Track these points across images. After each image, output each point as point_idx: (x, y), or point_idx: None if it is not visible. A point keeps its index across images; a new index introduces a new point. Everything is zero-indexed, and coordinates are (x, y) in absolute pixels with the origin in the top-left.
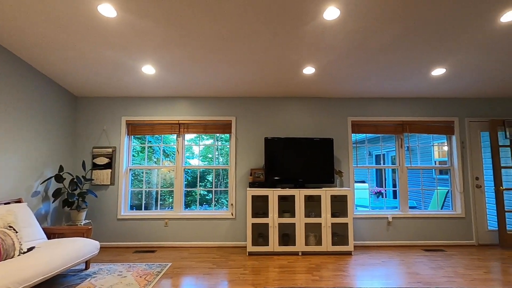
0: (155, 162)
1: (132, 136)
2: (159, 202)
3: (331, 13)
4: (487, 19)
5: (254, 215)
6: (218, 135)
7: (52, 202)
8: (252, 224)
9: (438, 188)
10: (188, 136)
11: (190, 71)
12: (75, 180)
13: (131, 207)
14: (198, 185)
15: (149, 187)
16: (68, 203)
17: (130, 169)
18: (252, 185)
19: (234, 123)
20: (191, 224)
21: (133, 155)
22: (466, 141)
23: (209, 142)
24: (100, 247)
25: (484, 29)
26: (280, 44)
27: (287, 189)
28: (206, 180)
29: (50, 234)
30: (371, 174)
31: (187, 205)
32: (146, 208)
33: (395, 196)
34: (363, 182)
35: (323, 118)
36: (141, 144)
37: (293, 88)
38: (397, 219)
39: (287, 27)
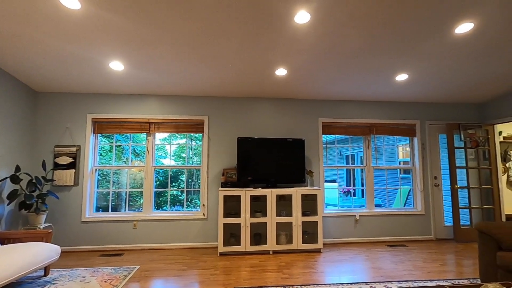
0: (124, 161)
1: (99, 135)
2: (128, 204)
3: (302, 17)
4: (444, 31)
5: (226, 215)
6: (193, 134)
7: (7, 205)
8: (224, 224)
9: (401, 187)
10: (161, 135)
11: (161, 68)
12: (34, 180)
13: (98, 209)
14: (169, 185)
15: (118, 188)
16: (26, 205)
17: (96, 169)
18: (225, 185)
19: (206, 122)
20: (161, 225)
21: (100, 154)
22: (426, 143)
23: (183, 141)
24: (63, 252)
25: (441, 40)
26: (253, 45)
27: (260, 189)
28: (179, 180)
29: (4, 240)
30: (342, 174)
31: (160, 206)
32: (115, 210)
33: (364, 195)
34: (334, 181)
35: (295, 119)
36: (110, 143)
37: (266, 88)
38: (364, 217)
39: (259, 28)
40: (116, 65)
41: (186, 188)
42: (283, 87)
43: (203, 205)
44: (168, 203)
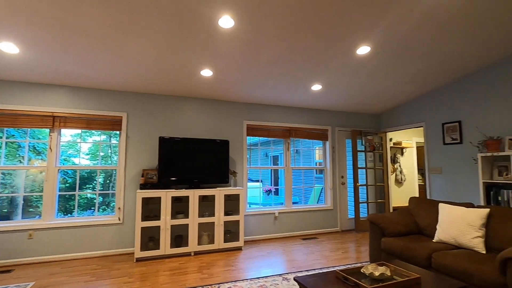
0: (20, 161)
1: None
2: (24, 210)
3: (226, 22)
4: (349, 51)
5: (145, 218)
6: (110, 131)
7: None
8: (142, 228)
9: (315, 185)
10: (71, 131)
11: (71, 57)
12: None
13: None
14: (78, 188)
15: (12, 192)
16: None
17: None
18: (144, 186)
19: (125, 119)
20: (66, 233)
21: None
22: (336, 146)
23: (101, 138)
24: None
25: (347, 58)
26: (177, 43)
27: (183, 190)
28: (94, 182)
29: None
30: (267, 174)
31: (68, 211)
32: (7, 218)
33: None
34: (260, 181)
35: (221, 120)
36: None
37: (191, 88)
38: (282, 213)
39: (183, 27)
40: (9, 47)
41: (100, 190)
42: (209, 88)
43: (119, 208)
44: (76, 207)
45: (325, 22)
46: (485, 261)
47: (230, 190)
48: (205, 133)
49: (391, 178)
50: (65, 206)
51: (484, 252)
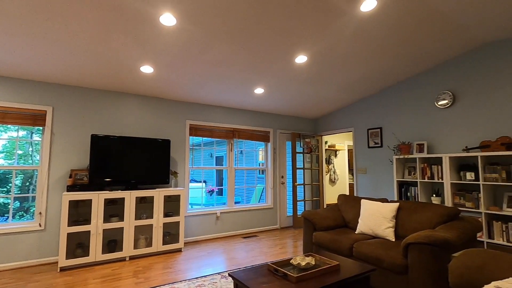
0: None
1: None
2: None
3: (168, 20)
4: (288, 59)
5: (72, 223)
6: (31, 127)
7: None
8: (69, 233)
9: (257, 185)
10: None
11: None
12: None
13: None
14: None
15: None
16: None
17: None
18: (72, 188)
19: (50, 114)
20: None
21: None
22: (277, 148)
23: (20, 134)
24: None
25: (287, 65)
26: (114, 36)
27: (119, 191)
28: (9, 185)
29: None
30: (212, 174)
31: None
32: None
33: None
34: (204, 182)
35: (162, 119)
36: None
37: (130, 84)
38: (225, 213)
39: (122, 21)
40: None
41: (18, 194)
42: (150, 85)
43: (40, 213)
44: None
45: (267, 30)
46: (393, 247)
47: (170, 190)
48: (145, 132)
49: (326, 177)
50: None
51: (393, 240)
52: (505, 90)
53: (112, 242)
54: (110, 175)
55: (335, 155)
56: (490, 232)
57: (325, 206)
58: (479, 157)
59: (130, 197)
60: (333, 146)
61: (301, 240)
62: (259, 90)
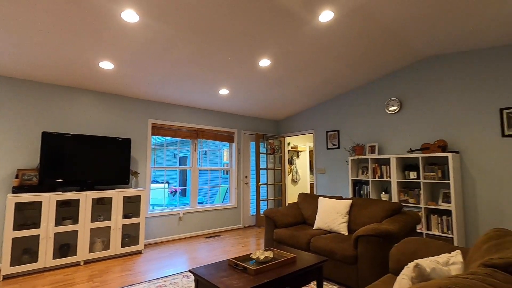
0: None
1: None
2: None
3: (130, 16)
4: (251, 62)
5: (19, 227)
6: None
7: None
8: (14, 238)
9: (221, 185)
10: None
11: None
12: None
13: None
14: None
15: None
16: None
17: None
18: (19, 189)
19: None
20: None
21: None
22: (241, 148)
23: None
24: None
25: (249, 68)
26: (69, 27)
27: (72, 192)
28: None
29: None
30: (175, 175)
31: None
32: None
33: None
34: (166, 182)
35: (123, 117)
36: None
37: (87, 80)
38: (187, 214)
39: (79, 12)
40: None
41: None
42: (110, 82)
43: None
44: None
45: (232, 32)
46: (346, 240)
47: (130, 191)
48: (104, 130)
49: (288, 177)
50: None
51: (346, 234)
52: (443, 98)
53: (65, 246)
54: (63, 175)
55: (297, 156)
56: (428, 224)
57: (287, 205)
58: (420, 158)
59: (85, 198)
60: (296, 147)
61: (263, 238)
62: (224, 91)
